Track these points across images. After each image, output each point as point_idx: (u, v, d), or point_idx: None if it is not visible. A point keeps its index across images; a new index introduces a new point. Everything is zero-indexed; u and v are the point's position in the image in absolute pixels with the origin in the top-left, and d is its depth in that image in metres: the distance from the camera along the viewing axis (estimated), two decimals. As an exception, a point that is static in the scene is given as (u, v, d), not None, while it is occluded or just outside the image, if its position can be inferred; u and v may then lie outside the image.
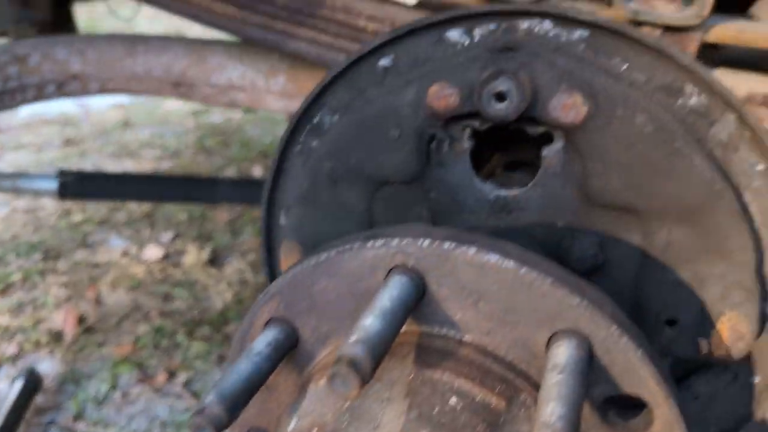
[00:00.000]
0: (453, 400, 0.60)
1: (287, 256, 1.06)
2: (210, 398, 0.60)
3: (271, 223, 1.18)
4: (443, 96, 0.89)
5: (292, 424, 0.63)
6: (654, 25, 1.16)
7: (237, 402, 0.61)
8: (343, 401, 0.61)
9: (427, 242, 0.65)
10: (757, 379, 1.02)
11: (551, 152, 0.94)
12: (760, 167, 0.92)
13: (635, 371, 0.62)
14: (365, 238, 0.68)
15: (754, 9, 1.44)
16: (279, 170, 1.15)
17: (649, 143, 0.86)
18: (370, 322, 0.58)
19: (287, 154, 1.14)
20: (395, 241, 0.66)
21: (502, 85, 0.83)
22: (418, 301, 0.66)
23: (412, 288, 0.64)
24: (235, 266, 3.09)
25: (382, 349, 0.57)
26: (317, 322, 0.72)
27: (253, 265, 3.09)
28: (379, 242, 0.66)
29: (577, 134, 0.88)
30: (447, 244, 0.64)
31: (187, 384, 2.34)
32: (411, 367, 0.64)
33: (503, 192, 0.98)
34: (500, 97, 0.84)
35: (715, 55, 1.38)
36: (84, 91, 1.95)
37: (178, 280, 2.96)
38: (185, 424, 2.15)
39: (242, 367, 0.64)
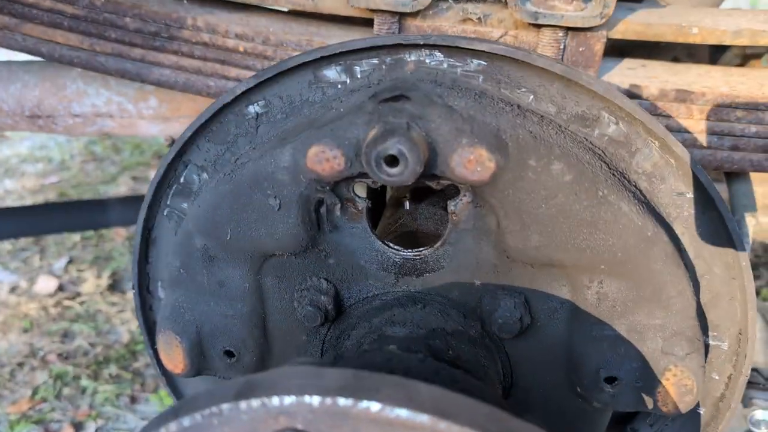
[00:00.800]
0: None
1: (167, 350, 0.90)
2: None
3: (147, 299, 1.01)
4: (325, 159, 0.74)
5: None
6: (556, 27, 1.04)
7: None
8: None
9: (316, 401, 0.50)
10: (702, 411, 0.94)
11: (458, 207, 0.80)
12: (690, 195, 0.82)
13: None
14: (237, 395, 0.53)
15: (655, -11, 1.34)
16: (147, 240, 0.98)
17: (570, 193, 0.74)
18: None
19: (154, 220, 0.97)
20: (275, 401, 0.51)
21: (392, 148, 0.68)
22: (315, 468, 0.52)
23: (303, 461, 0.50)
24: (138, 289, 2.86)
25: None
26: (194, 493, 0.56)
27: (158, 287, 2.87)
28: (256, 403, 0.51)
29: (486, 190, 0.75)
30: (342, 402, 0.50)
31: (96, 435, 2.14)
32: None
33: (409, 254, 0.84)
34: (392, 160, 0.70)
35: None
36: None
37: (77, 314, 2.71)
38: (98, 486, 1.96)
39: None
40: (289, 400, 0.51)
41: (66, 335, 2.59)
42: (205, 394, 0.55)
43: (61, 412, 2.22)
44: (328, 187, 0.79)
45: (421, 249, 0.84)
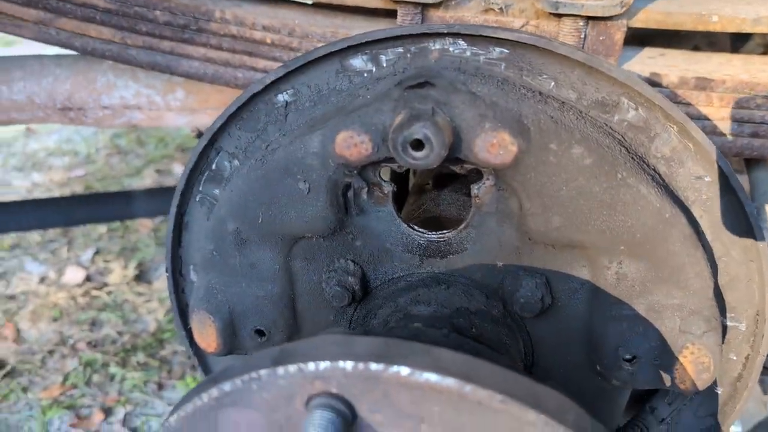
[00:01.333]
0: None
1: (200, 330, 0.94)
2: None
3: (179, 281, 1.05)
4: (353, 144, 0.77)
5: None
6: (577, 16, 1.06)
7: None
8: None
9: (349, 365, 0.54)
10: (720, 390, 0.96)
11: (482, 191, 0.83)
12: (708, 179, 0.84)
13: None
14: (274, 361, 0.56)
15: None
16: (180, 225, 1.02)
17: (590, 176, 0.76)
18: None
19: (187, 206, 1.01)
20: (311, 366, 0.54)
21: (418, 132, 0.71)
22: (348, 429, 0.55)
23: (337, 423, 0.53)
24: (164, 280, 2.91)
25: None
26: (233, 455, 0.60)
27: (184, 277, 2.92)
28: (292, 368, 0.55)
29: (508, 173, 0.78)
30: (374, 366, 0.53)
31: (126, 420, 2.19)
32: None
33: (434, 236, 0.87)
34: (418, 144, 0.73)
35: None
36: (-42, 127, 1.74)
37: (104, 304, 2.77)
38: (128, 468, 2.02)
39: None
40: (324, 365, 0.54)
41: (94, 324, 2.66)
42: (243, 362, 0.59)
43: (91, 397, 2.28)
44: (355, 171, 0.82)
45: (445, 231, 0.87)
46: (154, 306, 2.74)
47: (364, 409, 0.55)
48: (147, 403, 2.25)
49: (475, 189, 0.83)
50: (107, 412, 2.22)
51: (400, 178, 1.05)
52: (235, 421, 0.58)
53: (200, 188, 1.00)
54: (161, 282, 2.90)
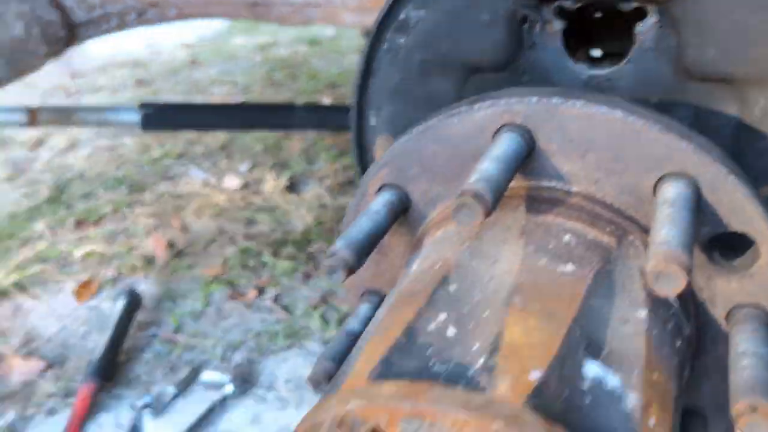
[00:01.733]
0: (567, 237, 0.64)
1: (384, 149, 1.11)
2: (339, 244, 0.66)
3: (361, 124, 1.23)
4: (535, -26, 0.91)
5: (415, 266, 0.68)
6: None
7: (362, 249, 0.67)
8: (461, 244, 0.66)
9: (534, 99, 0.68)
10: None
11: (645, 27, 0.94)
12: None
13: (742, 209, 0.64)
14: (471, 102, 0.71)
15: None
16: (367, 71, 1.19)
17: (746, 10, 0.86)
18: (487, 165, 0.62)
19: (374, 55, 1.17)
20: (503, 101, 0.69)
21: (596, -43, 0.84)
22: (527, 156, 0.70)
23: (521, 142, 0.68)
24: (313, 192, 3.17)
25: (500, 187, 0.61)
26: (427, 185, 0.76)
27: (331, 191, 3.17)
28: (487, 103, 0.70)
29: (671, 6, 0.88)
30: (555, 99, 0.67)
31: (276, 299, 2.46)
32: (523, 214, 0.68)
33: (596, 71, 0.99)
34: (595, -30, 0.85)
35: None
36: (162, 17, 2.02)
37: (259, 206, 3.07)
38: (277, 333, 2.28)
39: (363, 222, 0.70)
40: (513, 100, 0.69)
41: (250, 221, 2.95)
42: (445, 107, 0.75)
43: (246, 278, 2.58)
44: (533, 3, 0.96)
45: (606, 65, 0.99)
46: (303, 212, 3.00)
47: (542, 139, 0.69)
48: (294, 288, 2.51)
49: (639, 26, 0.94)
50: (260, 290, 2.50)
51: (570, 19, 1.16)
52: (433, 152, 0.74)
53: (388, 36, 1.16)
54: (310, 194, 3.16)
